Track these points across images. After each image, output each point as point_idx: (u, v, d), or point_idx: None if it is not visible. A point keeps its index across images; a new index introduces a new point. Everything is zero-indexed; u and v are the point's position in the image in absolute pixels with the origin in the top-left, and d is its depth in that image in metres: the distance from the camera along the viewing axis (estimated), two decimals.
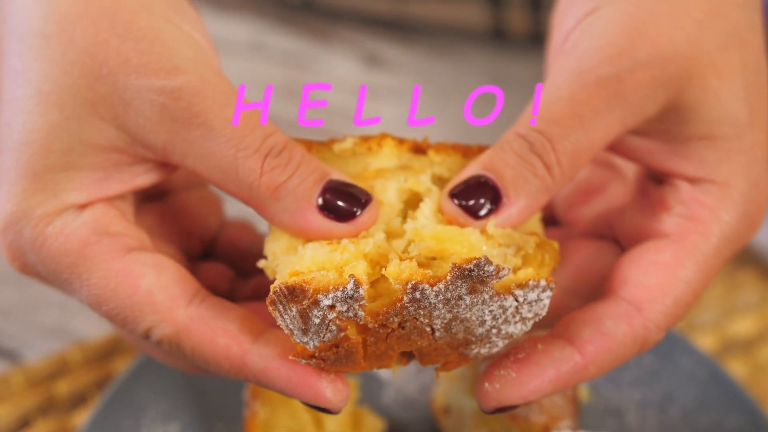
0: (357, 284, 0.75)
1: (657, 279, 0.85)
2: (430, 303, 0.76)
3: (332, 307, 0.76)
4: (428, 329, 0.78)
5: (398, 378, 1.18)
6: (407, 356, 0.83)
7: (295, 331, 0.78)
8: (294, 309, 0.77)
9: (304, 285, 0.76)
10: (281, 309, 0.78)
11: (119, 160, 0.85)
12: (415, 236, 0.80)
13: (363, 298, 0.76)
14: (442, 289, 0.76)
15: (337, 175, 0.83)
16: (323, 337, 0.77)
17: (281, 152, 0.81)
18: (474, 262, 0.75)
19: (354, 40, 1.58)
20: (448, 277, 0.75)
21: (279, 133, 0.83)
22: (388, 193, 0.84)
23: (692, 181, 0.88)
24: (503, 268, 0.76)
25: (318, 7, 1.58)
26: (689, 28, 0.86)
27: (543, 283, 0.78)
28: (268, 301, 0.78)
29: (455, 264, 0.75)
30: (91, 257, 0.83)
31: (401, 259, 0.78)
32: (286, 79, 1.54)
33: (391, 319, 0.77)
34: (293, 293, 0.76)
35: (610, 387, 1.17)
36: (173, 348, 0.84)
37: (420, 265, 0.78)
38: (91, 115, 0.83)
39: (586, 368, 0.83)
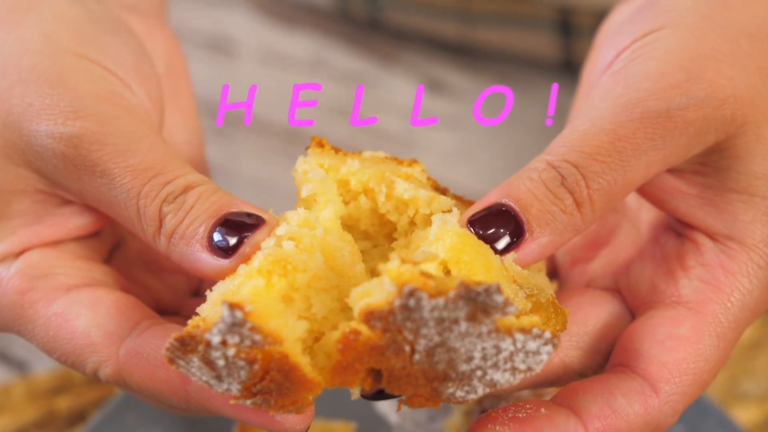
0: (232, 308, 0.68)
1: (675, 356, 0.79)
2: (421, 317, 0.69)
3: (224, 342, 0.69)
4: (408, 348, 0.70)
5: (407, 424, 1.11)
6: (374, 376, 0.74)
7: (211, 381, 0.72)
8: (195, 359, 0.71)
9: (192, 331, 0.70)
10: (184, 364, 0.72)
11: (47, 202, 0.83)
12: (440, 229, 0.75)
13: (247, 321, 0.69)
14: (440, 305, 0.68)
15: (238, 206, 0.77)
16: (241, 377, 0.71)
17: (177, 197, 0.78)
18: (484, 286, 0.68)
19: (416, 63, 1.52)
20: (452, 293, 0.68)
21: (184, 177, 0.79)
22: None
23: (717, 238, 0.81)
24: (512, 304, 0.69)
25: (384, 26, 1.53)
26: (751, 73, 0.80)
27: (547, 335, 0.71)
28: (166, 360, 0.72)
29: (463, 281, 0.68)
30: (28, 306, 0.82)
31: (403, 261, 0.70)
32: (342, 99, 1.49)
33: (373, 323, 0.70)
34: (184, 343, 0.71)
35: None
36: (121, 386, 0.81)
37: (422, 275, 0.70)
38: (6, 162, 0.82)
39: None
